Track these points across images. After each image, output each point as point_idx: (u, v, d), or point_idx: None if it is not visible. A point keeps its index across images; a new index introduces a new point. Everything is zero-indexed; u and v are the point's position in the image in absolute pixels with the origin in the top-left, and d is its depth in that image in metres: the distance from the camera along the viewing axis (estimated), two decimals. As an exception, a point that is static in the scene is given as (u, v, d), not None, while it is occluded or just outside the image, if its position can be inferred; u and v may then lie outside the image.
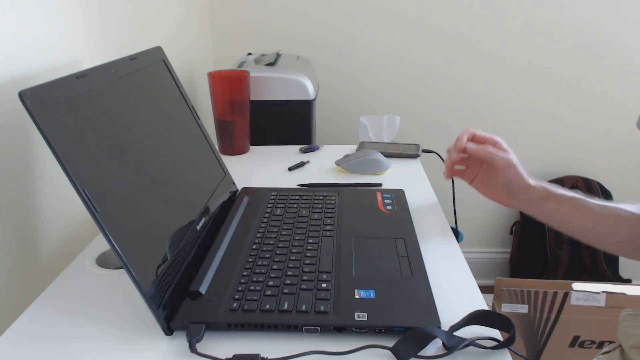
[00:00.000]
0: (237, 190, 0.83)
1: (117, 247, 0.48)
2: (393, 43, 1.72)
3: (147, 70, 0.69)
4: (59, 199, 0.72)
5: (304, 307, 0.52)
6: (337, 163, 0.98)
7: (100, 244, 0.69)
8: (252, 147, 1.12)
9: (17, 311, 0.56)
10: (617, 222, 0.70)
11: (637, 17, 1.69)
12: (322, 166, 1.00)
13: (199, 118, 0.78)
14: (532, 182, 0.71)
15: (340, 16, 1.69)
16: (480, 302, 0.56)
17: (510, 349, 0.50)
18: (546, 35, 1.70)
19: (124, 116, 0.60)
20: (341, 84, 1.74)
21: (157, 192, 0.59)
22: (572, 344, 1.49)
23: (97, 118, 0.54)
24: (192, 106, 0.78)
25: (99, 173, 0.50)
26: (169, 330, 0.51)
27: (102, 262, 0.66)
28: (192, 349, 0.48)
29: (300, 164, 1.00)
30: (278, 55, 1.37)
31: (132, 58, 0.66)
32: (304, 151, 1.08)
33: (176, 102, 0.74)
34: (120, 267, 0.64)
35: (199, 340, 0.49)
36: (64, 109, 0.50)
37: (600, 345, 1.45)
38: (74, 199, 0.76)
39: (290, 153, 1.08)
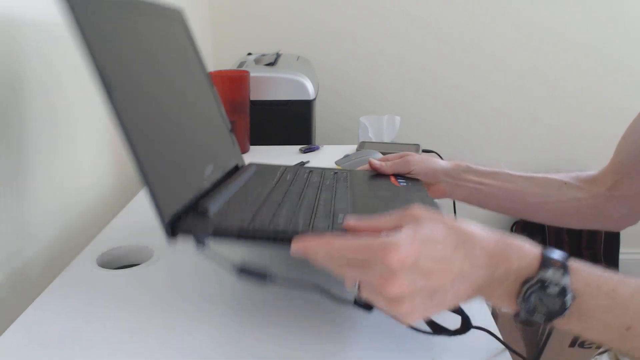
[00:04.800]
0: (244, 164, 0.82)
1: (133, 145, 0.45)
2: (393, 44, 1.72)
3: (173, 22, 0.69)
4: (59, 199, 0.72)
5: (320, 226, 0.50)
6: (337, 163, 0.98)
7: (100, 244, 0.69)
8: (252, 147, 1.12)
9: (17, 311, 0.56)
10: (546, 192, 0.72)
11: (632, 20, 1.69)
12: (322, 166, 1.00)
13: (213, 86, 0.77)
14: (450, 164, 0.75)
15: (340, 16, 1.69)
16: (481, 302, 0.56)
17: (509, 348, 0.50)
18: (544, 38, 1.71)
19: (155, 48, 0.59)
20: (341, 84, 1.74)
21: (179, 122, 0.58)
22: (572, 344, 1.49)
23: (131, 37, 0.53)
24: (208, 75, 0.76)
25: (126, 79, 0.49)
26: (171, 232, 0.47)
27: (103, 262, 0.66)
28: (200, 242, 0.46)
29: (300, 164, 1.00)
30: (278, 55, 1.37)
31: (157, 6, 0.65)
32: (304, 151, 1.08)
33: (194, 63, 0.73)
34: (121, 268, 0.65)
35: (204, 244, 0.47)
36: (106, 16, 0.48)
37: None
38: (74, 198, 0.76)
39: (290, 153, 1.08)
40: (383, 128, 1.38)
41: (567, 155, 1.84)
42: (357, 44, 1.72)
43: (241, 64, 1.26)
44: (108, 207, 0.86)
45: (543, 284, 0.40)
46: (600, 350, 0.74)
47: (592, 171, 0.73)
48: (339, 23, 1.70)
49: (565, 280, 0.40)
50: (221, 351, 0.49)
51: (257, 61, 1.30)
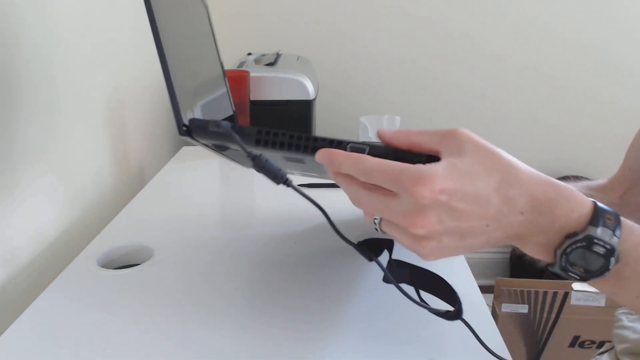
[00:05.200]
0: None
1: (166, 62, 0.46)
2: (393, 43, 1.72)
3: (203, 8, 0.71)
4: (59, 198, 0.72)
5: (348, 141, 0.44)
6: (337, 163, 0.97)
7: (100, 244, 0.69)
8: (252, 147, 1.12)
9: (17, 311, 0.56)
10: None
11: (633, 20, 1.69)
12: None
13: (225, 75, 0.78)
14: None
15: (340, 16, 1.69)
16: (481, 302, 0.56)
17: (488, 349, 0.47)
18: (544, 38, 1.71)
19: (195, 19, 0.64)
20: (341, 84, 1.74)
21: (200, 73, 0.61)
22: (572, 344, 1.49)
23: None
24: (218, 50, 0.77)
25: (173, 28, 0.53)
26: (185, 128, 0.45)
27: (103, 262, 0.66)
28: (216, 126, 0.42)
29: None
30: (278, 55, 1.37)
31: None
32: (304, 151, 1.08)
33: (214, 47, 0.74)
34: (121, 268, 0.64)
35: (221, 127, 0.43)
36: None
37: (601, 345, 1.45)
38: (74, 198, 0.76)
39: (290, 153, 1.07)
40: (383, 128, 1.38)
41: (567, 155, 1.84)
42: (357, 44, 1.72)
43: (241, 64, 1.26)
44: (108, 207, 0.86)
45: (590, 242, 0.37)
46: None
47: (600, 180, 0.72)
48: (339, 23, 1.70)
49: (614, 241, 0.37)
50: (221, 351, 0.49)
51: (257, 61, 1.30)
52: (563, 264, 0.38)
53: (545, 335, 1.51)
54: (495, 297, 1.53)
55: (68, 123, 0.75)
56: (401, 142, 0.39)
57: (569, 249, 0.38)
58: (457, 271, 0.63)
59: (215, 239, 0.71)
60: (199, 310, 0.55)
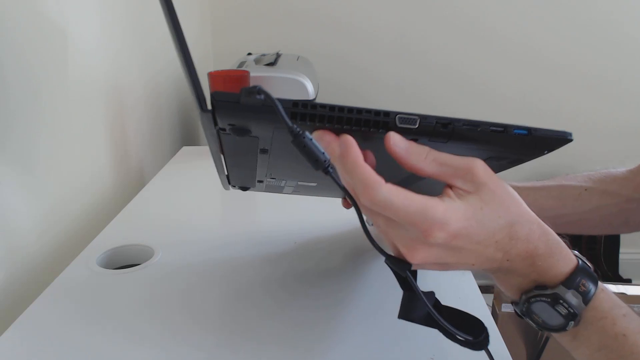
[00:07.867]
0: None
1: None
2: (394, 43, 1.72)
3: None
4: (59, 198, 0.72)
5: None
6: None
7: (100, 244, 0.69)
8: (252, 147, 1.11)
9: (17, 311, 0.56)
10: (562, 203, 0.64)
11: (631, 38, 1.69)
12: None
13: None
14: None
15: (340, 16, 1.69)
16: (480, 302, 0.56)
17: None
18: (539, 59, 1.71)
19: None
20: (341, 84, 1.75)
21: None
22: (572, 344, 1.49)
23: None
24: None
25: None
26: (206, 105, 0.37)
27: (103, 262, 0.66)
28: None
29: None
30: (278, 55, 1.37)
31: None
32: (304, 151, 1.08)
33: None
34: (121, 268, 0.65)
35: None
36: None
37: (600, 345, 1.45)
38: (74, 198, 0.76)
39: (291, 153, 1.07)
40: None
41: (567, 159, 1.85)
42: (358, 43, 1.72)
43: (241, 64, 1.26)
44: (108, 207, 0.86)
45: (555, 300, 0.37)
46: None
47: (619, 169, 0.65)
48: (339, 23, 1.70)
49: (580, 308, 0.37)
50: (223, 351, 0.49)
51: (257, 61, 1.30)
52: (524, 309, 0.39)
53: (545, 335, 1.51)
54: (495, 297, 1.53)
55: (68, 123, 0.75)
56: (413, 164, 0.36)
57: (533, 299, 0.38)
58: (457, 271, 0.63)
59: (216, 238, 0.71)
60: (200, 310, 0.55)
